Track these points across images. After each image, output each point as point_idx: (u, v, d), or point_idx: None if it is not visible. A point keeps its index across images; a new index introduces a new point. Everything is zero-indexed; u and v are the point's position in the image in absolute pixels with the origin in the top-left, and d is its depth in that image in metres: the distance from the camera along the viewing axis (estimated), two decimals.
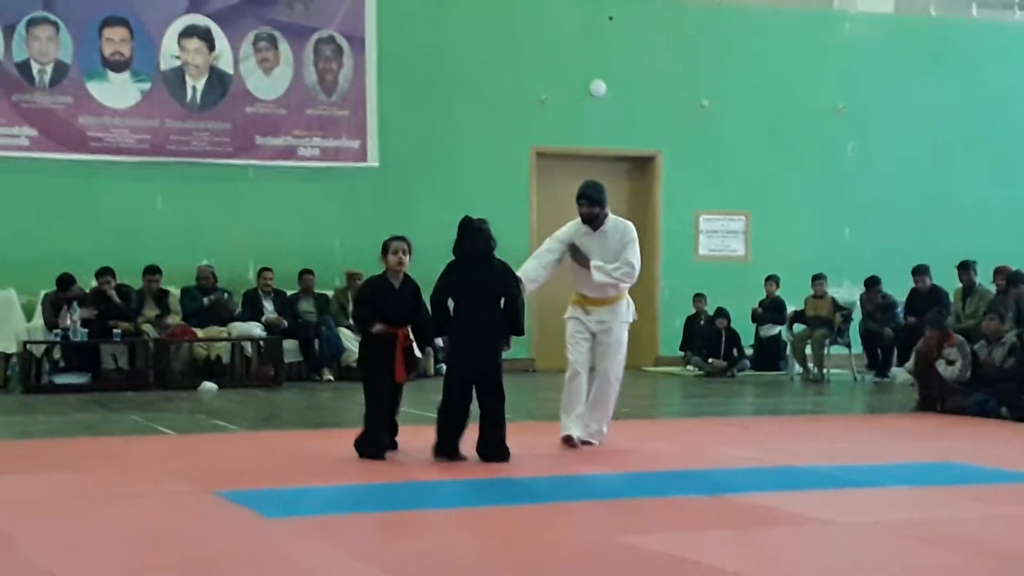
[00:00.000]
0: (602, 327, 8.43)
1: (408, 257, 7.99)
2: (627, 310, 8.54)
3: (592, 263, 8.33)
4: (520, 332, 7.93)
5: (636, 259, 8.40)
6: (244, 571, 5.06)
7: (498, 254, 7.95)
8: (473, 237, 7.81)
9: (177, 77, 14.81)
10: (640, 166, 16.57)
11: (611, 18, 16.24)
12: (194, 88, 14.86)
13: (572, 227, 8.56)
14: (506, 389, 7.95)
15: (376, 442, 7.87)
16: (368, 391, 7.98)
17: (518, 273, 8.22)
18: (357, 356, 8.46)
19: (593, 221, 8.42)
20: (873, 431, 10.24)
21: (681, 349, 15.98)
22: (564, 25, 16.22)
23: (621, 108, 16.12)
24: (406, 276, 8.04)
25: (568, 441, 8.30)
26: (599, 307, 8.46)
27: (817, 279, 15.33)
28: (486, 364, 7.79)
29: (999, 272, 14.19)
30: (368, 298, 8.05)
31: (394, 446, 8.05)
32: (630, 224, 8.58)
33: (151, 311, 13.95)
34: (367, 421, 7.95)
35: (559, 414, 8.47)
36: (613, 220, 8.52)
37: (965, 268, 14.27)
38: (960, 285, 14.32)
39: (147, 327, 13.77)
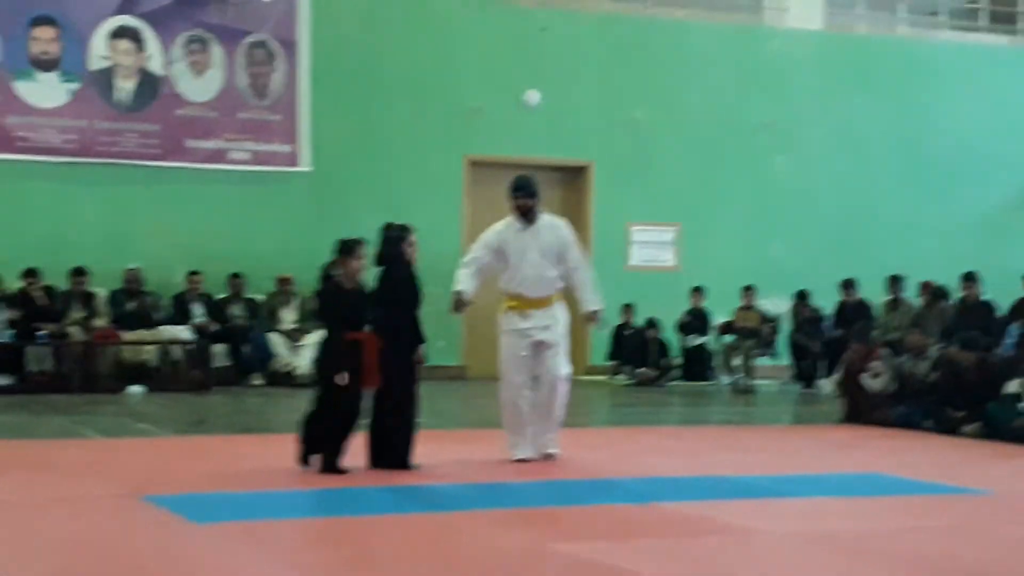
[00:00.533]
0: (545, 332, 8.20)
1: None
2: (564, 313, 8.36)
3: (592, 309, 8.29)
4: (418, 340, 7.85)
5: (584, 262, 8.40)
6: None
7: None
8: (381, 244, 7.87)
9: (106, 78, 14.65)
10: (573, 176, 16.63)
11: (543, 29, 16.28)
12: (123, 89, 14.71)
13: (501, 228, 8.36)
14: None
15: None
16: (329, 399, 7.59)
17: (456, 287, 8.21)
18: (320, 362, 7.79)
19: (528, 214, 8.24)
20: (799, 442, 10.34)
21: (610, 359, 16.05)
22: (498, 35, 16.25)
23: (554, 118, 16.16)
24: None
25: (522, 463, 8.11)
26: (538, 309, 8.22)
27: (747, 290, 15.51)
28: (388, 370, 7.69)
29: (925, 287, 14.43)
30: (337, 301, 7.74)
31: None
32: (564, 222, 8.47)
33: (77, 313, 13.78)
34: (338, 434, 7.57)
35: (504, 431, 8.26)
36: (547, 217, 8.40)
37: (895, 281, 14.50)
38: (888, 298, 14.54)
39: (73, 329, 13.60)
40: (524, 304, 8.23)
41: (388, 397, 7.69)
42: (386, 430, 7.72)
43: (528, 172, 8.65)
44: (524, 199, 8.26)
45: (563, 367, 8.34)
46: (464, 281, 8.27)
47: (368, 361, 7.57)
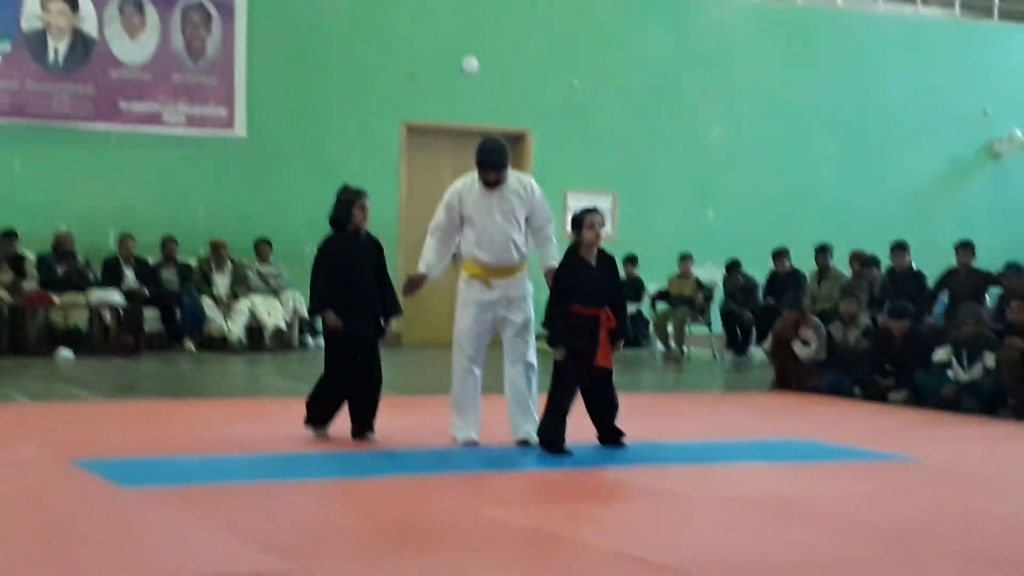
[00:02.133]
0: (511, 310, 7.57)
1: (603, 231, 7.43)
2: (529, 284, 7.73)
3: (549, 264, 7.61)
4: (399, 310, 7.80)
5: (552, 221, 7.73)
6: (98, 541, 4.98)
7: (368, 228, 7.87)
8: (333, 207, 7.67)
9: (39, 38, 14.40)
10: (510, 144, 16.47)
11: None
12: (56, 50, 14.48)
13: (461, 187, 7.64)
14: None
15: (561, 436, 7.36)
16: (560, 380, 7.39)
17: (419, 268, 7.67)
18: (549, 338, 7.47)
19: (497, 184, 7.59)
20: (731, 408, 10.45)
21: (543, 326, 16.04)
22: (438, 0, 16.16)
23: (493, 85, 16.12)
24: (601, 251, 7.45)
25: (470, 444, 7.53)
26: (502, 278, 7.56)
27: (684, 258, 15.60)
28: (368, 340, 7.58)
29: (855, 257, 14.56)
30: (564, 277, 7.39)
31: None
32: (533, 180, 7.75)
33: (6, 276, 13.57)
34: (557, 412, 7.36)
35: (452, 408, 7.66)
36: (514, 177, 7.69)
37: (822, 251, 14.62)
38: (816, 268, 14.68)
39: (2, 292, 13.41)
40: (487, 272, 7.55)
41: (368, 366, 7.58)
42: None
43: (494, 137, 7.91)
44: (496, 173, 7.56)
45: (532, 351, 7.67)
46: (428, 256, 7.65)
47: (602, 338, 7.33)
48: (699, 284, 15.60)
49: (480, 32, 16.22)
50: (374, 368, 7.62)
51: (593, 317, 7.36)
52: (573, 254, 7.43)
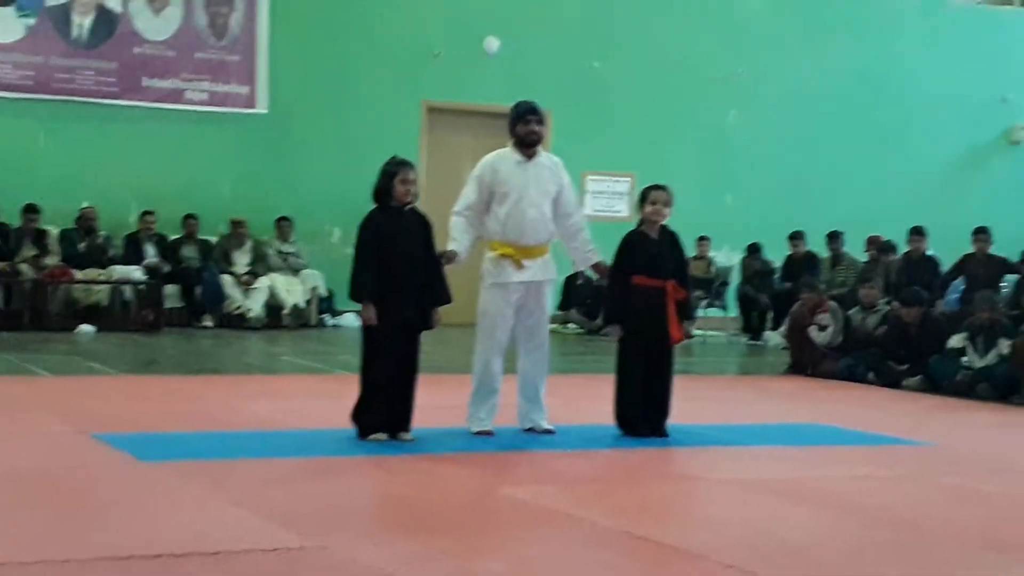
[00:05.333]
0: (534, 290, 7.19)
1: (667, 209, 7.42)
2: (554, 265, 7.40)
3: (597, 260, 7.45)
4: (449, 299, 6.96)
5: (581, 208, 7.66)
6: (117, 514, 5.05)
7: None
8: (376, 179, 6.90)
9: (63, 13, 14.48)
10: None
11: None
12: (80, 25, 14.55)
13: (493, 161, 7.22)
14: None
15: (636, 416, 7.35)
16: (625, 358, 7.35)
17: (450, 247, 7.08)
18: (606, 315, 7.57)
19: (535, 146, 7.21)
20: (745, 392, 10.48)
21: (560, 308, 16.11)
22: None
23: (513, 66, 16.14)
24: (663, 227, 7.44)
25: (484, 435, 7.19)
26: (533, 258, 7.18)
27: (700, 241, 15.62)
28: (411, 329, 6.92)
29: (871, 241, 14.57)
30: (625, 252, 7.38)
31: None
32: (559, 160, 7.42)
33: (29, 251, 13.69)
34: (627, 393, 7.34)
35: (470, 398, 7.29)
36: (545, 154, 7.37)
37: (833, 238, 14.64)
38: (828, 254, 14.69)
39: (24, 267, 13.52)
40: (520, 252, 7.13)
41: (412, 356, 6.91)
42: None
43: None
44: (538, 125, 7.17)
45: (547, 338, 7.36)
46: (458, 236, 7.12)
47: (670, 312, 7.24)
48: (714, 268, 15.64)
49: (501, 13, 16.23)
50: (413, 364, 6.90)
51: (659, 290, 7.28)
52: (635, 230, 7.45)
